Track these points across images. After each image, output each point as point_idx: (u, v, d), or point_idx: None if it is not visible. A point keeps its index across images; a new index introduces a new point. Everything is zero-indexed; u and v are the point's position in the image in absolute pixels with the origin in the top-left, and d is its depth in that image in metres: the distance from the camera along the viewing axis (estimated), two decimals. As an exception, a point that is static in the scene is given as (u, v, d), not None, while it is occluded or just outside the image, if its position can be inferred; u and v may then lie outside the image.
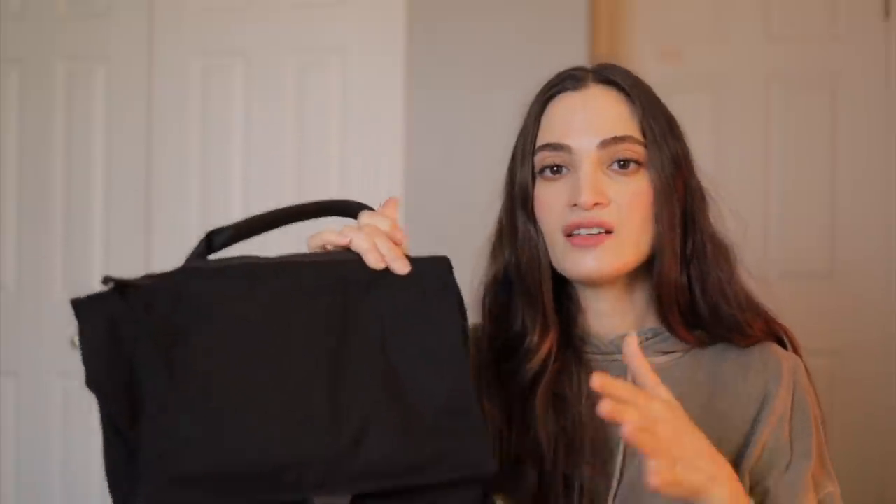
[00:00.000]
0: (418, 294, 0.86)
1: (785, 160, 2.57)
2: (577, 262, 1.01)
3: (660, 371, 1.00)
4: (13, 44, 2.71)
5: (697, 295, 1.04)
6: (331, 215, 0.97)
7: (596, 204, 1.00)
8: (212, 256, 0.90)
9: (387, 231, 0.88)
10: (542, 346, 1.03)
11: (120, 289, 0.83)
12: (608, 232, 1.00)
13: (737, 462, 0.99)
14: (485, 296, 1.11)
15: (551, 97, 1.06)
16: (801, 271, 2.56)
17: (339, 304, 0.84)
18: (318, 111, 2.58)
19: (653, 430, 0.82)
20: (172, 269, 0.85)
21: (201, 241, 0.89)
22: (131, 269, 2.86)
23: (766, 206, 2.57)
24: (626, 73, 1.07)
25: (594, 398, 1.00)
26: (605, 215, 1.00)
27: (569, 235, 1.02)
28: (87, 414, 2.66)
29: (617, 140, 1.01)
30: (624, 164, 1.01)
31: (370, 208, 0.92)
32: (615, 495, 0.99)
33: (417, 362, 0.84)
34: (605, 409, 0.80)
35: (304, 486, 0.78)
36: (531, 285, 1.05)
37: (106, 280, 0.83)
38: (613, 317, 1.06)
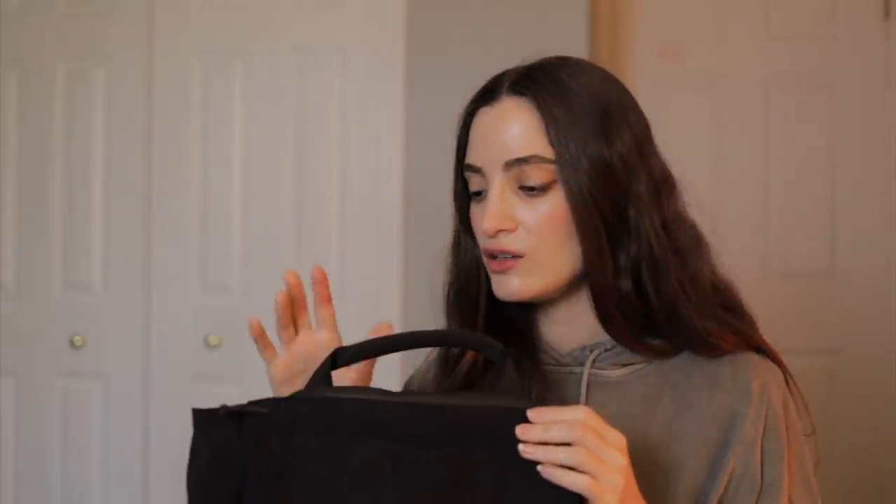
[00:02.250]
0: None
1: (785, 160, 2.57)
2: (496, 286, 0.98)
3: (618, 386, 0.99)
4: (13, 44, 2.71)
5: (653, 301, 0.97)
6: (460, 347, 0.95)
7: (501, 230, 0.95)
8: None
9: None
10: (462, 362, 1.01)
11: (236, 417, 0.83)
12: (518, 257, 0.96)
13: (704, 491, 0.94)
14: (446, 297, 1.07)
15: (473, 112, 1.01)
16: (801, 271, 2.56)
17: (453, 458, 0.80)
18: (317, 111, 2.58)
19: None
20: (294, 394, 0.85)
21: (327, 359, 0.88)
22: (131, 268, 2.88)
23: (766, 206, 2.58)
24: (547, 74, 0.99)
25: None
26: (510, 242, 0.96)
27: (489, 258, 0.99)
28: (86, 414, 2.66)
29: (520, 161, 0.95)
30: (530, 185, 0.96)
31: (508, 352, 0.87)
32: None
33: None
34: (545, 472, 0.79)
35: None
36: (464, 302, 1.03)
37: (223, 410, 0.83)
38: (567, 326, 1.02)
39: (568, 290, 0.99)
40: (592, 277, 0.96)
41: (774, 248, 2.56)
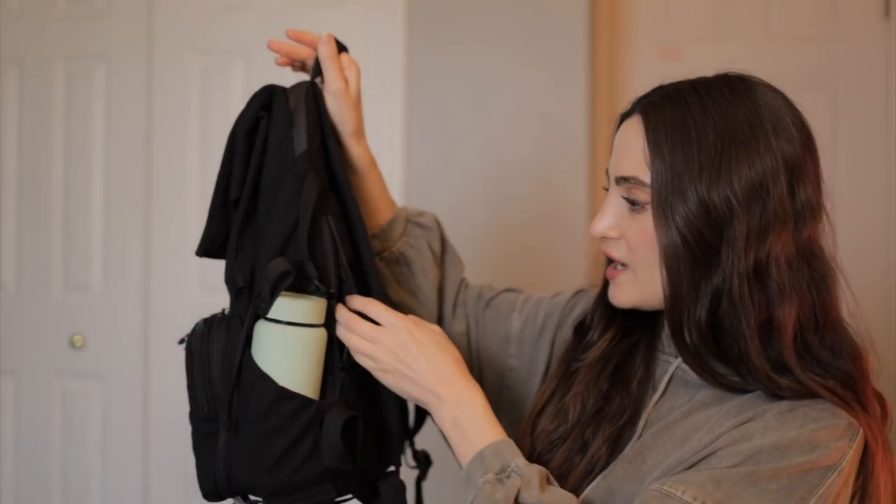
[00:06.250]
0: None
1: (785, 160, 2.57)
2: (609, 290, 1.09)
3: (697, 387, 1.04)
4: (13, 44, 2.71)
5: (726, 337, 0.98)
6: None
7: (605, 237, 1.05)
8: None
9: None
10: (599, 343, 1.12)
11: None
12: (623, 265, 1.05)
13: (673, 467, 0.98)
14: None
15: (622, 119, 1.10)
16: (800, 271, 2.56)
17: None
18: (317, 111, 2.58)
19: (377, 346, 1.08)
20: None
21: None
22: (131, 268, 2.86)
23: (766, 206, 2.57)
24: (678, 98, 1.04)
25: (634, 393, 1.07)
26: (613, 249, 1.05)
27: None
28: (86, 414, 2.66)
29: (621, 180, 1.03)
30: (633, 201, 1.02)
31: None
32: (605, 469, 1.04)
33: None
34: (339, 332, 1.11)
35: None
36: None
37: None
38: None
39: None
40: (668, 300, 1.00)
41: (774, 248, 2.56)
